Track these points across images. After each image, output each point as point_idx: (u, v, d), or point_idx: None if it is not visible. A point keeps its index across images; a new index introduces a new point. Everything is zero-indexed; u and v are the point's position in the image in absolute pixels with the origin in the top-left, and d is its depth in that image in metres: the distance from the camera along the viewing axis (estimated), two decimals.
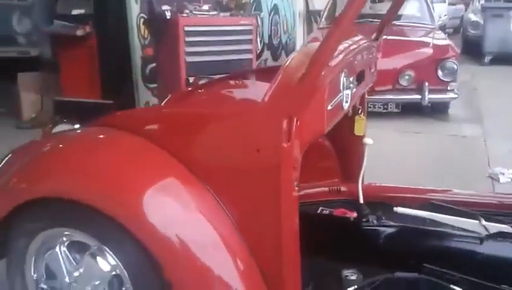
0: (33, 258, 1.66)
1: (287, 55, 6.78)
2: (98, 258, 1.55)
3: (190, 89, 2.76)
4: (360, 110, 2.18)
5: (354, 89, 1.79)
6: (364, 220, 2.04)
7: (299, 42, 8.36)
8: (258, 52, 6.24)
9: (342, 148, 2.59)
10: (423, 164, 4.02)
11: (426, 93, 5.04)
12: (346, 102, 1.69)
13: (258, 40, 6.09)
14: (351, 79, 1.74)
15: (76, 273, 1.59)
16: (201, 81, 2.80)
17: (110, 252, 1.52)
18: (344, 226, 2.09)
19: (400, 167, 3.94)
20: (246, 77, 2.71)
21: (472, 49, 9.67)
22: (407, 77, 5.17)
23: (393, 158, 4.15)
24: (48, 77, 5.45)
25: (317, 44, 1.41)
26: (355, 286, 1.83)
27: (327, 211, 2.43)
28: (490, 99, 6.20)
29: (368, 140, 2.22)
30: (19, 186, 1.64)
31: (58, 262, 1.61)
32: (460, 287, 1.78)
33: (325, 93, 1.47)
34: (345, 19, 1.31)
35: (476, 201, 2.35)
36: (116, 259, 1.51)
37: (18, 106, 5.48)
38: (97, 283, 1.57)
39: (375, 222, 2.04)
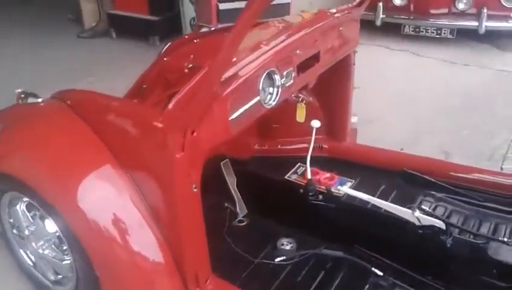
0: (7, 209, 2.00)
1: None
2: (46, 221, 1.85)
3: (185, 39, 2.81)
4: (301, 99, 2.16)
5: (291, 81, 1.80)
6: (310, 194, 2.13)
7: None
8: None
9: (328, 106, 2.60)
10: (451, 102, 3.86)
11: (484, 20, 4.59)
12: (273, 100, 1.73)
13: None
14: (284, 73, 1.75)
15: (31, 228, 1.92)
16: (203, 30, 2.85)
17: (51, 220, 1.80)
18: (293, 196, 2.20)
19: (427, 100, 3.86)
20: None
21: None
22: (465, 0, 4.69)
23: (428, 90, 4.03)
24: None
25: None
26: (284, 257, 2.00)
27: (303, 168, 2.52)
28: None
29: (314, 123, 2.20)
30: None
31: (19, 217, 1.94)
32: (382, 271, 1.88)
33: (227, 103, 1.53)
34: (240, 25, 1.29)
35: (449, 174, 2.33)
36: (55, 225, 1.80)
37: (80, 15, 5.82)
38: (47, 238, 1.89)
39: (320, 197, 2.12)
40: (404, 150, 3.23)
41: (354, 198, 2.09)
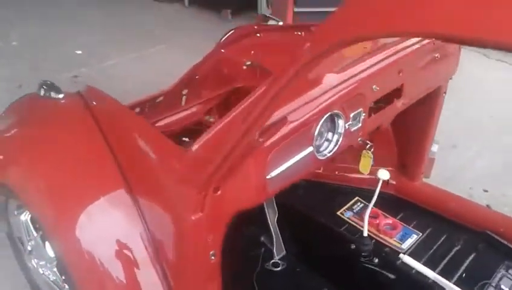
0: (14, 214, 1.75)
1: None
2: (46, 243, 1.58)
3: (247, 30, 2.44)
4: (368, 146, 1.71)
5: (359, 125, 1.40)
6: (364, 254, 1.74)
7: None
8: None
9: (404, 135, 2.17)
10: None
11: None
12: (330, 150, 1.34)
13: None
14: (351, 115, 1.36)
15: (29, 247, 1.66)
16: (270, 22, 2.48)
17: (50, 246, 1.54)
18: (342, 248, 1.82)
19: None
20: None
21: None
22: None
23: None
24: None
25: None
26: None
27: (361, 205, 2.12)
28: None
29: (382, 173, 1.74)
30: None
31: (21, 229, 1.69)
32: None
33: (267, 157, 1.17)
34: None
35: None
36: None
37: None
38: (48, 260, 1.63)
39: (375, 261, 1.72)
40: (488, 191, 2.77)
41: (413, 271, 1.69)
